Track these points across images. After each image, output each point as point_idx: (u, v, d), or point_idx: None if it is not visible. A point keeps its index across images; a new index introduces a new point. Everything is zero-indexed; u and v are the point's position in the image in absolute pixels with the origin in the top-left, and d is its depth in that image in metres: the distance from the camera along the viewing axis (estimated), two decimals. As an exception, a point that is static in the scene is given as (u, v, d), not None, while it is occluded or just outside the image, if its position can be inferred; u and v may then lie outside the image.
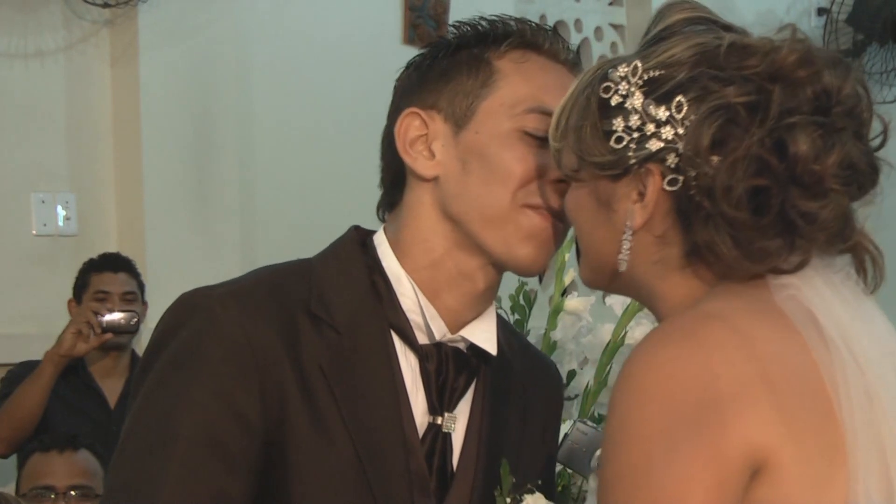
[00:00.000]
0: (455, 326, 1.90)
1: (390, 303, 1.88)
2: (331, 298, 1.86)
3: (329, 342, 1.83)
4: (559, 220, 1.87)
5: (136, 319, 4.86)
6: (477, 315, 1.92)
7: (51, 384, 4.75)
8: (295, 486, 1.79)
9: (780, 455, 1.47)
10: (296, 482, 1.79)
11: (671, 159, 1.58)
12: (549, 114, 1.83)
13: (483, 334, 1.92)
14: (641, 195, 1.61)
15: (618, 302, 2.50)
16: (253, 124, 5.70)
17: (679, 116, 1.58)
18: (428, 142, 1.89)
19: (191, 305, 1.83)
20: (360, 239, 1.93)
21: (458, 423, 1.90)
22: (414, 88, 1.92)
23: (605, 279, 1.69)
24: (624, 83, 1.61)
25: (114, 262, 5.04)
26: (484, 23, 1.92)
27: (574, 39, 7.12)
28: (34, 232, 5.33)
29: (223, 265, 5.29)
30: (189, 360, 1.79)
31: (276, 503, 1.79)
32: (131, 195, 5.44)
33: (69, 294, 5.02)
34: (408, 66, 1.95)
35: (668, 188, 1.59)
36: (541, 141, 1.84)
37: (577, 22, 7.29)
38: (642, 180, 1.60)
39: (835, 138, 1.57)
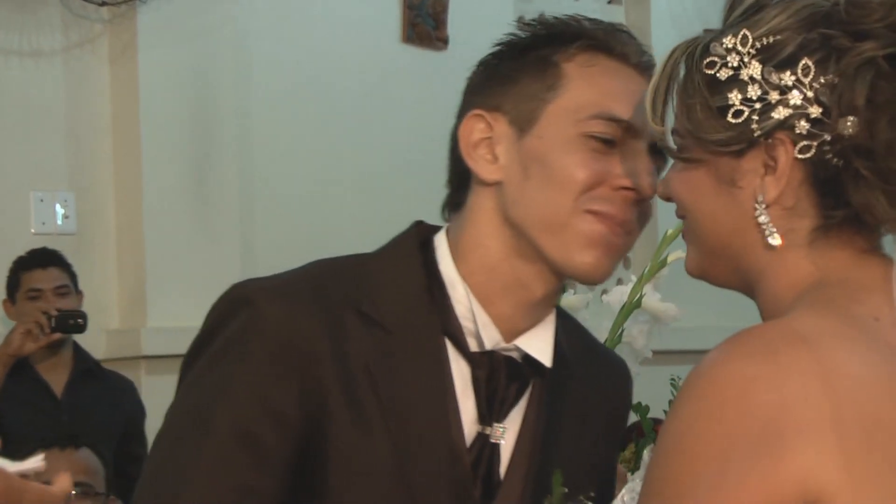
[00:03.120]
0: (510, 335, 1.85)
1: (443, 307, 1.84)
2: (383, 297, 1.83)
3: (377, 341, 1.81)
4: (622, 228, 1.82)
5: (83, 320, 4.91)
6: (533, 324, 1.87)
7: (0, 382, 4.81)
8: (332, 481, 1.77)
9: (836, 500, 1.41)
10: (332, 477, 1.77)
11: (801, 125, 1.53)
12: (614, 119, 1.81)
13: (538, 344, 1.87)
14: (770, 167, 1.55)
15: (615, 299, 2.50)
16: (253, 124, 5.70)
17: (807, 80, 1.52)
18: (492, 145, 1.85)
19: (239, 299, 1.82)
20: (421, 237, 1.89)
21: (508, 433, 1.86)
22: (481, 88, 1.88)
23: (721, 265, 1.62)
24: (733, 55, 1.55)
25: (41, 259, 5.04)
26: (555, 22, 1.88)
27: (573, 39, 7.12)
28: (33, 231, 5.33)
29: (223, 265, 5.30)
30: (230, 355, 1.79)
31: (313, 497, 1.78)
32: (130, 194, 5.44)
33: (67, 292, 5.06)
34: (479, 65, 1.90)
35: (800, 156, 1.53)
36: (606, 144, 1.81)
37: (576, 21, 7.30)
38: (770, 152, 1.54)
39: None
